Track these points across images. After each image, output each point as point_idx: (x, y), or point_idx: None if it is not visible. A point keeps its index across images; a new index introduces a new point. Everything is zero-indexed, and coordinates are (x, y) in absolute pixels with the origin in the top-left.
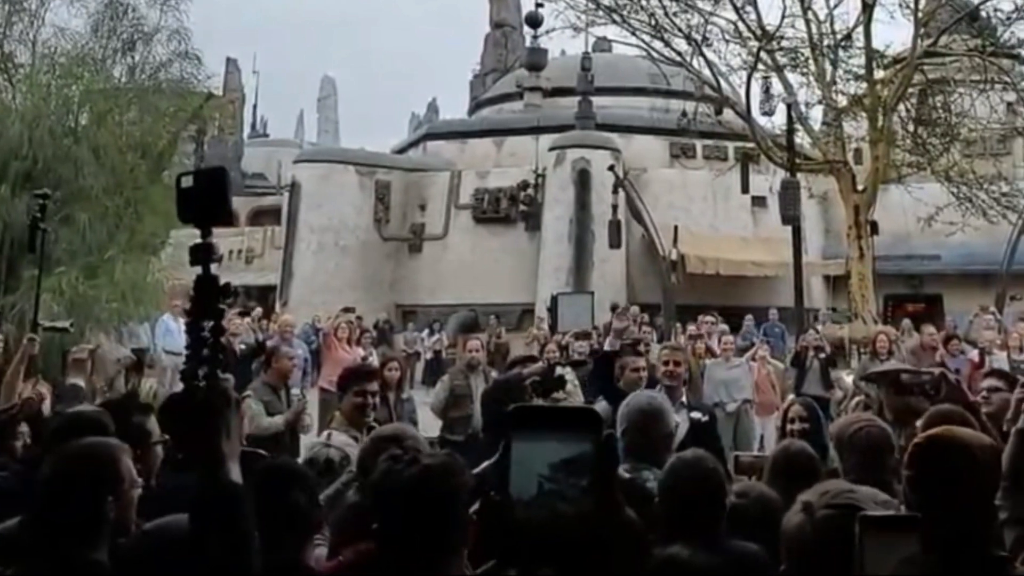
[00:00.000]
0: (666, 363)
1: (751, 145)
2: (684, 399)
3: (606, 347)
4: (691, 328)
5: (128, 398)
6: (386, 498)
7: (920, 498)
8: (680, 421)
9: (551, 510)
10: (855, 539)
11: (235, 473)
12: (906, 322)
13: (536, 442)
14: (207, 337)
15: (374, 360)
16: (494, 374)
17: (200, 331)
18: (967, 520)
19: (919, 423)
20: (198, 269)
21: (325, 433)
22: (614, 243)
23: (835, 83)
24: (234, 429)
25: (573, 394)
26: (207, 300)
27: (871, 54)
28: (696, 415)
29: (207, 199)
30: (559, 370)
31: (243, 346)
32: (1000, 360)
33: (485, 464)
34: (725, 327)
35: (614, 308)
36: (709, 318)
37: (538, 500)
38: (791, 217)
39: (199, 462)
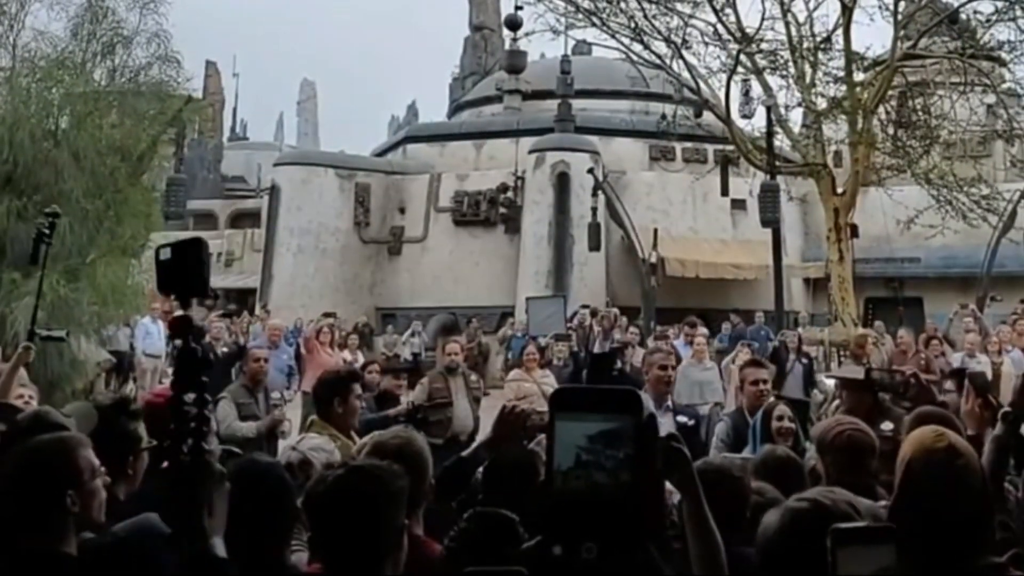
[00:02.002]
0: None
1: (731, 148)
2: (670, 403)
3: (595, 350)
4: (671, 329)
5: (118, 403)
6: (315, 507)
7: (916, 506)
8: (666, 425)
9: (587, 480)
10: (828, 551)
11: (220, 548)
12: (879, 324)
13: (577, 421)
14: (191, 411)
15: (360, 363)
16: (473, 377)
17: (183, 405)
18: (965, 528)
19: (905, 421)
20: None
21: (297, 437)
22: (594, 246)
23: (815, 86)
24: (218, 505)
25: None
26: (189, 373)
27: (851, 57)
28: (682, 419)
29: (185, 272)
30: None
31: (225, 349)
32: (983, 363)
33: (476, 444)
34: (706, 331)
35: (594, 313)
36: (692, 319)
37: (575, 471)
38: (771, 220)
39: (184, 537)
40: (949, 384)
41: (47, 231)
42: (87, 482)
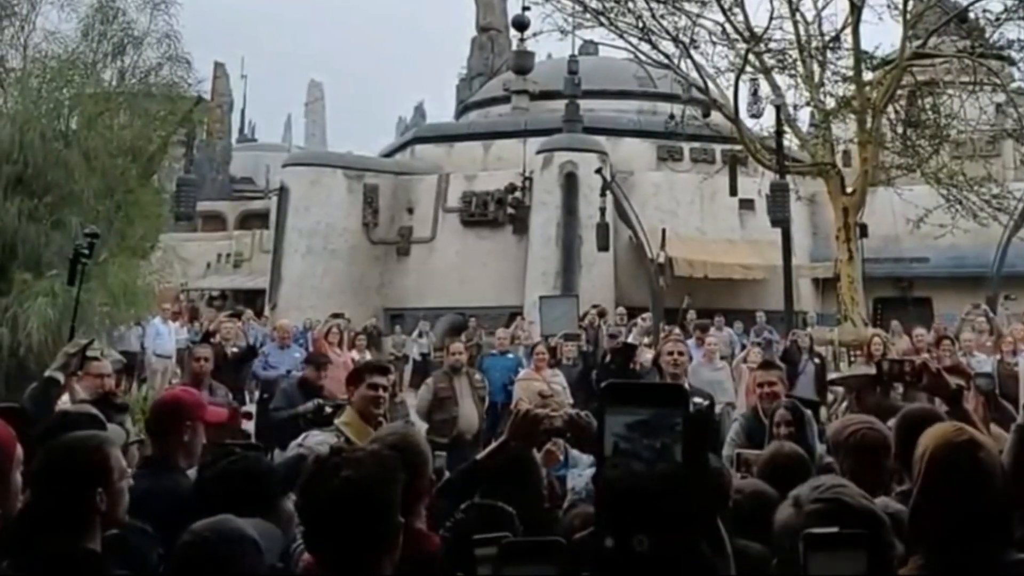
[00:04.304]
0: (670, 353)
1: (739, 148)
2: (686, 386)
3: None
4: (675, 331)
5: (104, 398)
6: (311, 503)
7: (939, 499)
8: None
9: (625, 468)
10: (800, 557)
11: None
12: (895, 324)
13: (624, 414)
14: None
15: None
16: (477, 376)
17: None
18: (987, 522)
19: (892, 422)
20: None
21: (303, 435)
22: (602, 246)
23: (823, 85)
24: None
25: (561, 395)
26: None
27: (859, 56)
28: (697, 399)
29: None
30: None
31: (235, 349)
32: (983, 363)
33: (492, 447)
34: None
35: (603, 313)
36: (705, 322)
37: (613, 459)
38: (781, 219)
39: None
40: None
41: (86, 251)
42: (115, 482)
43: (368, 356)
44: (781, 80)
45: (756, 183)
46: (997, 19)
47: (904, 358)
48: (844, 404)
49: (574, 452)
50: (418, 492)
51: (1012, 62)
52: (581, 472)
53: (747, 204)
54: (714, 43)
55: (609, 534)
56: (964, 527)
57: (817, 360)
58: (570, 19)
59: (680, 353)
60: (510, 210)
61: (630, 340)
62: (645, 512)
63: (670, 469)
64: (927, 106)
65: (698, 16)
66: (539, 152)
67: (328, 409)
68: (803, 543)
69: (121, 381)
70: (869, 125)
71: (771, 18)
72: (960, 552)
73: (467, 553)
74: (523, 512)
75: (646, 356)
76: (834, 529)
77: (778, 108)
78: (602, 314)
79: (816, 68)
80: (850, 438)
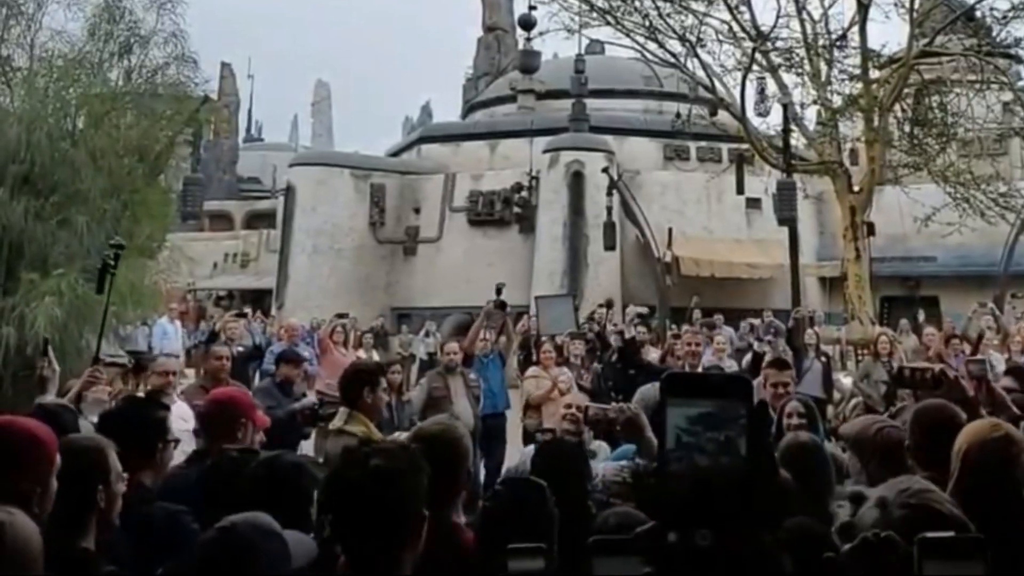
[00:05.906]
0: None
1: (745, 147)
2: None
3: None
4: (687, 327)
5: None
6: (339, 492)
7: (970, 496)
8: None
9: (689, 462)
10: (914, 563)
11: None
12: (903, 322)
13: (685, 407)
14: None
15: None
16: (472, 375)
17: None
18: (1018, 515)
19: (908, 418)
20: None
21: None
22: (608, 245)
23: (830, 83)
24: None
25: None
26: None
27: (866, 54)
28: None
29: None
30: None
31: (240, 348)
32: (997, 362)
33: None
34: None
35: (609, 305)
36: (711, 320)
37: (675, 452)
38: (788, 218)
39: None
40: (1007, 381)
41: (112, 262)
42: (113, 483)
43: (375, 355)
44: (788, 79)
45: (763, 182)
46: (1004, 17)
47: (923, 365)
48: (853, 403)
49: (591, 444)
50: (457, 485)
51: (1019, 60)
52: (597, 465)
53: (754, 203)
54: (721, 42)
55: (672, 528)
56: (998, 521)
57: (824, 359)
58: (576, 18)
59: (697, 344)
60: (516, 209)
61: (626, 333)
62: (709, 506)
63: (735, 462)
64: (934, 104)
65: (705, 15)
66: (545, 151)
67: (320, 410)
68: (917, 548)
69: (129, 381)
70: (876, 123)
71: (778, 16)
72: (996, 544)
73: (502, 520)
74: (568, 506)
75: (652, 355)
76: (950, 533)
77: (785, 107)
78: (609, 305)
79: (823, 66)
80: (876, 435)
